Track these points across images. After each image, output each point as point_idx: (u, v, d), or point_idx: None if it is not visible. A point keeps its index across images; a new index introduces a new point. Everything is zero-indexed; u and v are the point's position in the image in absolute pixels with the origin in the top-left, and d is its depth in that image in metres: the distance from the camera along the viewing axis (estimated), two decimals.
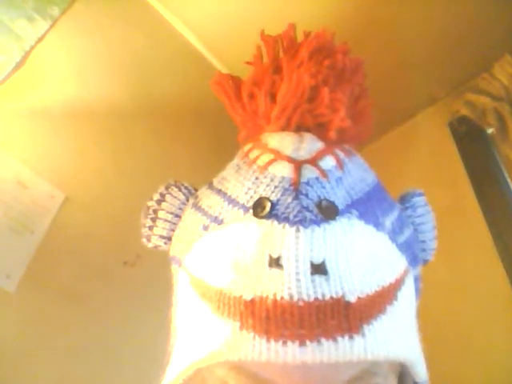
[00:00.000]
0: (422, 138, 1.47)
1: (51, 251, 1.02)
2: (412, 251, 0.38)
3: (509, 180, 1.25)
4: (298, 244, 0.30)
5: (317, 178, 0.32)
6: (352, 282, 0.30)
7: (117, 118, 1.24)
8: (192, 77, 1.40)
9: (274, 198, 0.32)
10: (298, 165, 0.32)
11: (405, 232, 0.38)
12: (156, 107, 1.33)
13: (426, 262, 0.42)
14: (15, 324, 0.96)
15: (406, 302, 0.33)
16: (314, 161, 0.32)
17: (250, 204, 0.33)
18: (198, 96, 1.30)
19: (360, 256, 0.31)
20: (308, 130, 0.35)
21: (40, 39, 1.09)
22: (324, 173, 0.32)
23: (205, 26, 1.38)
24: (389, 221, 0.36)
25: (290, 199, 0.31)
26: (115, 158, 1.22)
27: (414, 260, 0.38)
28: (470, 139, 1.34)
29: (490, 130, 1.31)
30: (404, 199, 0.42)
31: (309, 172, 0.32)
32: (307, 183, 0.32)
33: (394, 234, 0.35)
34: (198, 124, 1.40)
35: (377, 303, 0.30)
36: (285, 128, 0.35)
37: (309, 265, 0.30)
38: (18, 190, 1.02)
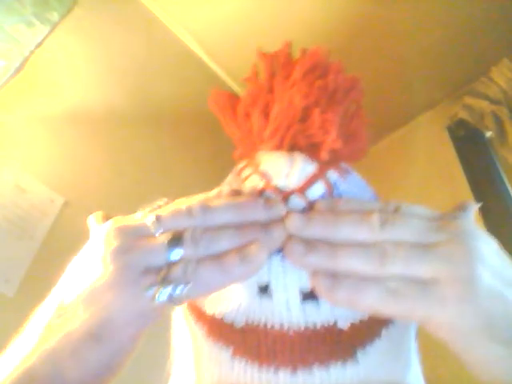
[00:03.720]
0: (421, 142, 1.48)
1: (50, 255, 1.01)
2: None
3: (507, 183, 1.25)
4: (286, 273, 0.30)
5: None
6: (344, 308, 0.29)
7: (116, 122, 1.24)
8: (191, 82, 1.41)
9: None
10: (285, 196, 0.31)
11: None
12: (155, 112, 1.33)
13: None
14: (14, 328, 0.96)
15: (404, 323, 0.33)
16: (301, 190, 0.32)
17: None
18: (198, 101, 1.30)
19: None
20: (301, 150, 0.34)
21: (39, 44, 1.09)
22: (311, 204, 0.32)
23: (204, 31, 1.38)
24: None
25: None
26: (114, 162, 1.23)
27: None
28: (468, 143, 1.34)
29: (488, 134, 1.32)
30: None
31: (295, 204, 0.31)
32: None
33: None
34: (197, 129, 1.40)
35: (371, 327, 0.30)
36: (278, 147, 0.35)
37: (298, 292, 0.29)
38: (16, 194, 1.02)
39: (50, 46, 1.11)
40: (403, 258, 0.28)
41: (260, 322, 0.29)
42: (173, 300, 0.27)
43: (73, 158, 1.15)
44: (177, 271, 0.27)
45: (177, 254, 0.28)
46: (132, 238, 0.29)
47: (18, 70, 1.05)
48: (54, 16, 1.10)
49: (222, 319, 0.31)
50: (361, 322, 0.30)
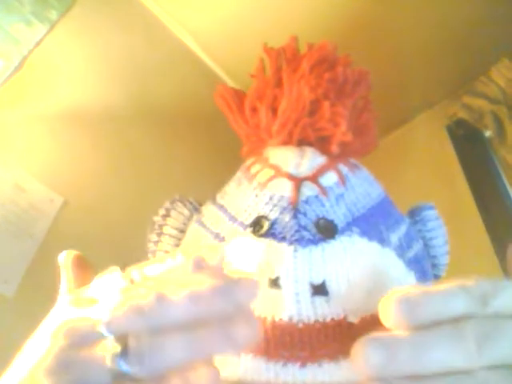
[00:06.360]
0: (420, 142, 1.48)
1: (50, 255, 1.01)
2: (421, 267, 0.37)
3: (506, 182, 1.25)
4: (297, 264, 0.29)
5: (316, 197, 0.31)
6: (354, 301, 0.29)
7: (115, 122, 1.24)
8: (190, 80, 1.41)
9: (272, 216, 0.31)
10: (297, 182, 0.31)
11: (413, 247, 0.37)
12: (154, 111, 1.33)
13: (437, 277, 0.40)
14: (14, 329, 0.96)
15: None
16: (314, 177, 0.31)
17: (249, 222, 0.32)
18: (196, 100, 1.30)
19: (363, 274, 0.30)
20: (310, 144, 0.34)
21: (38, 43, 1.09)
22: (324, 190, 0.31)
23: (203, 29, 1.38)
24: (395, 236, 0.35)
25: (287, 218, 0.31)
26: (113, 162, 1.22)
27: (423, 275, 0.36)
28: (467, 142, 1.34)
29: (487, 133, 1.32)
30: (413, 213, 0.40)
31: (308, 190, 0.31)
32: (306, 202, 0.31)
33: (401, 250, 0.34)
34: (195, 128, 1.40)
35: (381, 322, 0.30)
36: (287, 142, 0.34)
37: (308, 286, 0.29)
38: (16, 193, 1.02)
39: (48, 45, 1.11)
40: None
41: (268, 315, 0.29)
42: None
43: (72, 158, 1.14)
44: None
45: (120, 373, 0.22)
46: (77, 347, 0.23)
47: (17, 69, 1.05)
48: (53, 15, 1.10)
49: None
50: (371, 316, 0.29)
